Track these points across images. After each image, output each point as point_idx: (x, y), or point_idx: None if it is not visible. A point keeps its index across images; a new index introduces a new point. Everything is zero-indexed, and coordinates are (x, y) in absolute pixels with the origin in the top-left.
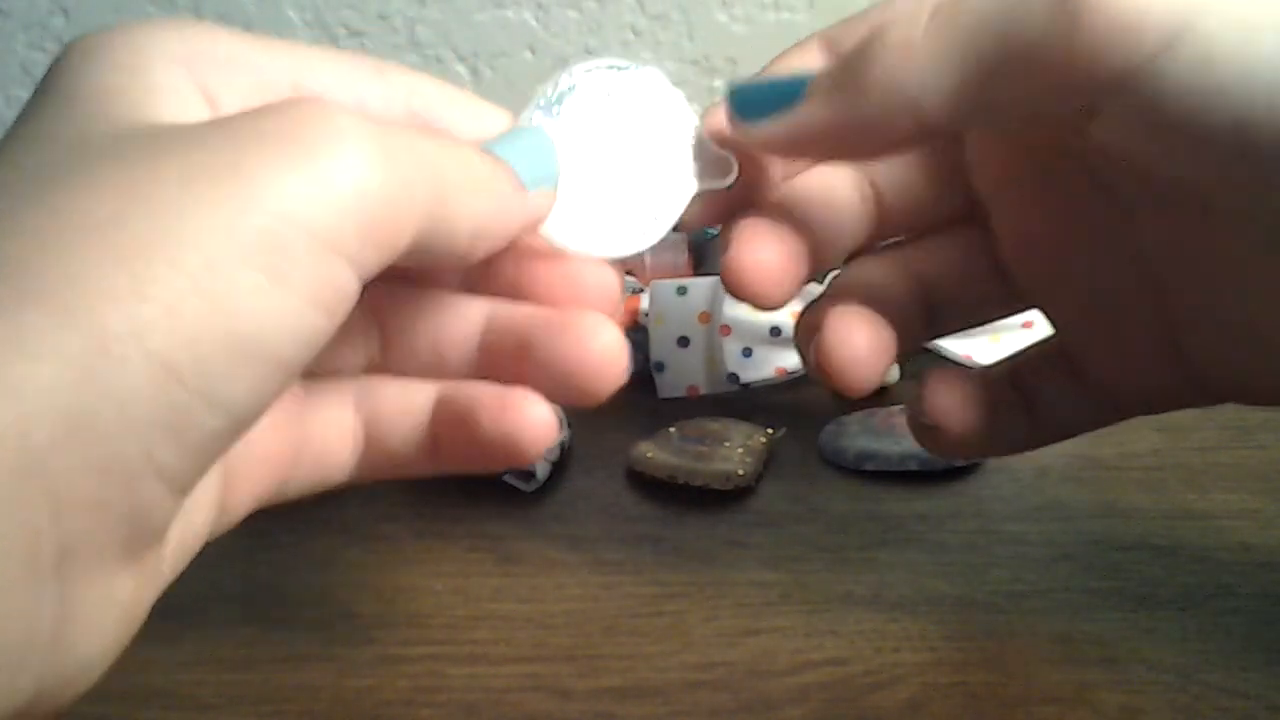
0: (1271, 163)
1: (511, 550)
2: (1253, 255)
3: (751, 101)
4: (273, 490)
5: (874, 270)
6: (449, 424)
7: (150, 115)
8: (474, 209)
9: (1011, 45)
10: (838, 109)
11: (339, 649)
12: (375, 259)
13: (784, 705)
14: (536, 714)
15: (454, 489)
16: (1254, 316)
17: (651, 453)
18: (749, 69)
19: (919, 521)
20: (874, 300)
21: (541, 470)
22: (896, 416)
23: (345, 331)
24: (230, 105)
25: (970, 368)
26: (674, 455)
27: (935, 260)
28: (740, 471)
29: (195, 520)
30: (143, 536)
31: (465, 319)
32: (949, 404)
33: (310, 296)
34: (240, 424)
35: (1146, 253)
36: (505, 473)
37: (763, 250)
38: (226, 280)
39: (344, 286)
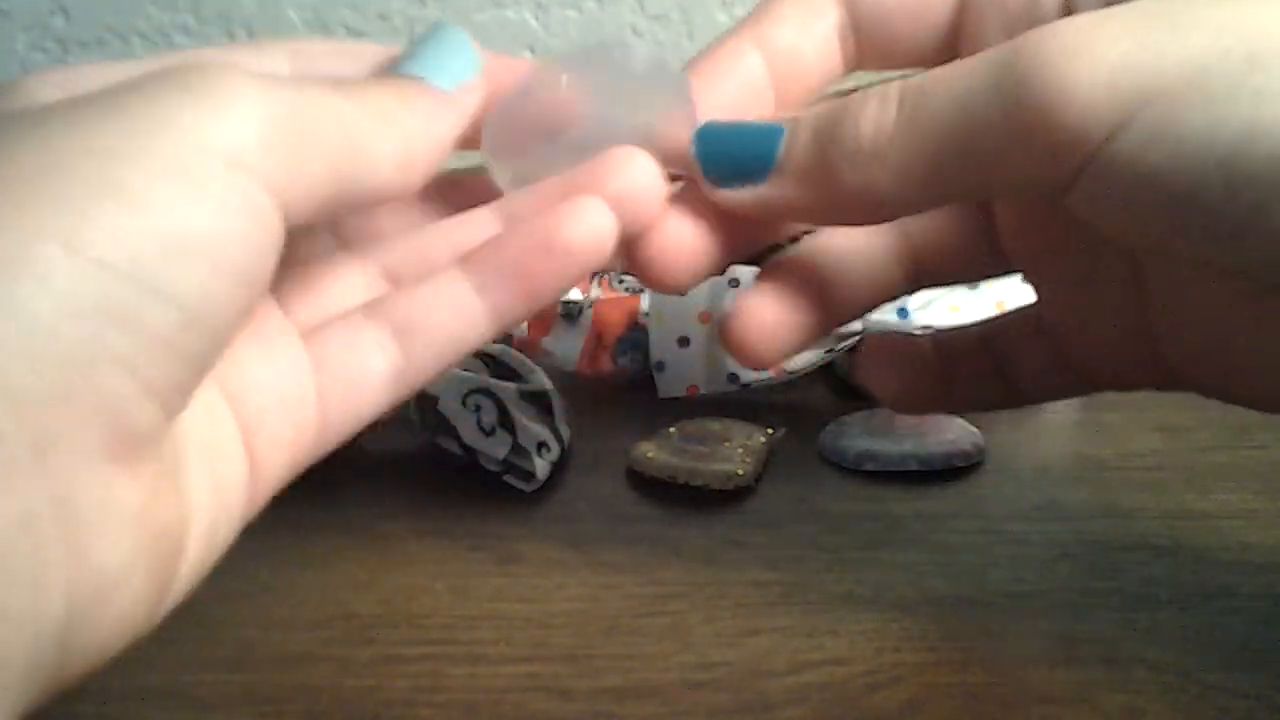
0: (1229, 225)
1: (511, 550)
2: (1235, 300)
3: (720, 163)
4: (309, 443)
5: (864, 231)
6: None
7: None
8: (390, 137)
9: (974, 144)
10: (809, 196)
11: (339, 649)
12: (291, 186)
13: (784, 705)
14: (536, 714)
15: (454, 489)
16: (1223, 336)
17: (651, 453)
18: None
19: (919, 521)
20: (842, 263)
21: (541, 470)
22: (897, 416)
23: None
24: None
25: (916, 335)
26: (674, 455)
27: (930, 221)
28: (740, 471)
29: (226, 473)
30: (126, 436)
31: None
32: (881, 368)
33: (229, 206)
34: (201, 321)
35: (1139, 263)
36: (505, 473)
37: (764, 313)
38: (144, 192)
39: (260, 202)
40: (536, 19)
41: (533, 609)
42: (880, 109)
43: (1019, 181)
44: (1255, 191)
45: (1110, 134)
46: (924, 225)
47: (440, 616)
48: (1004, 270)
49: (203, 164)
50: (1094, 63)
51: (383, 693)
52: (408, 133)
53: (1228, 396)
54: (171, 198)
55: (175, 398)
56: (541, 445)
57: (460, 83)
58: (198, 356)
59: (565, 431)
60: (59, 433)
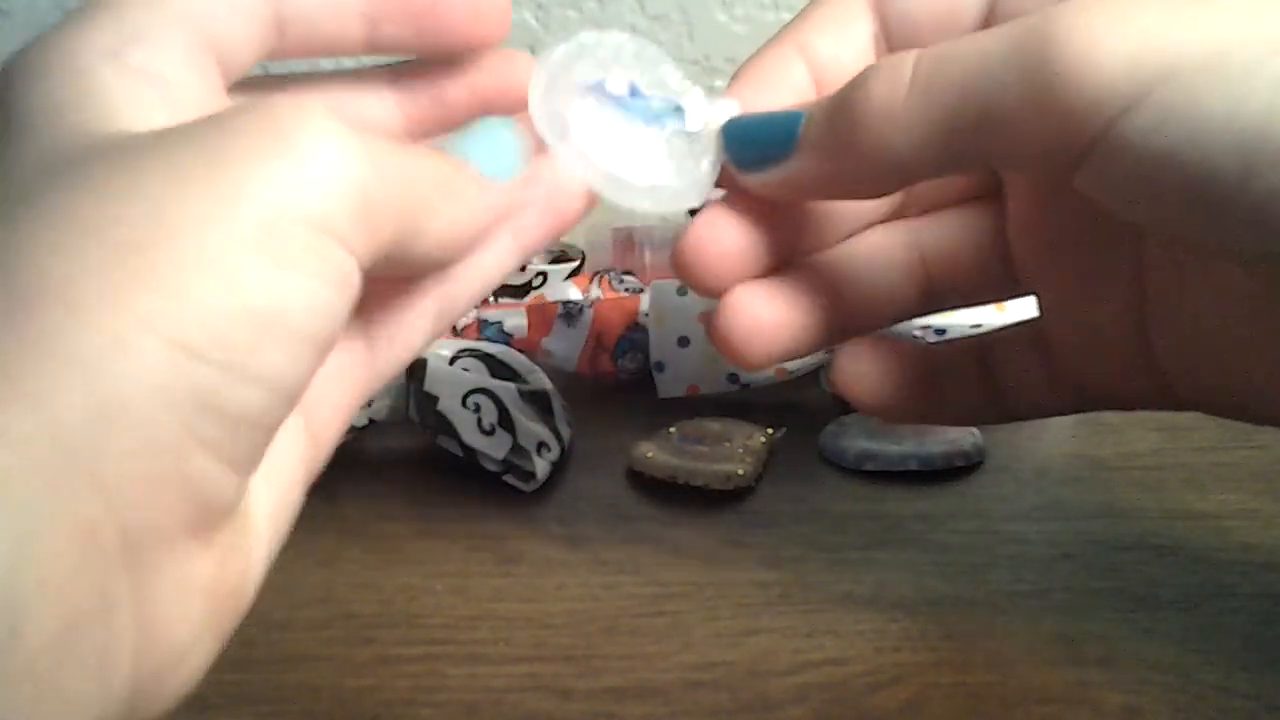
0: (1223, 209)
1: (511, 550)
2: (1228, 283)
3: (745, 149)
4: (361, 398)
5: (869, 243)
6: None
7: (116, 125)
8: (444, 212)
9: (990, 108)
10: (827, 165)
11: (339, 649)
12: (367, 249)
13: (784, 705)
14: (536, 714)
15: (454, 489)
16: (1228, 339)
17: (651, 453)
18: None
19: (919, 521)
20: (852, 275)
21: (541, 470)
22: None
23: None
24: (189, 100)
25: (900, 340)
26: (674, 455)
27: (943, 234)
28: (740, 471)
29: (285, 478)
30: (208, 514)
31: None
32: (855, 373)
33: (317, 275)
34: (285, 394)
35: (1142, 263)
36: (505, 473)
37: (757, 311)
38: (231, 266)
39: (346, 268)
40: (536, 19)
41: (533, 609)
42: (893, 72)
43: (1031, 150)
44: (1273, 176)
45: (1125, 108)
46: (938, 240)
47: (440, 616)
48: (1015, 292)
49: (297, 235)
50: (1116, 36)
51: (383, 693)
52: (458, 211)
53: (1229, 410)
54: (265, 275)
55: (255, 464)
56: (541, 445)
57: (503, 180)
58: (279, 422)
59: (565, 431)
60: (147, 521)
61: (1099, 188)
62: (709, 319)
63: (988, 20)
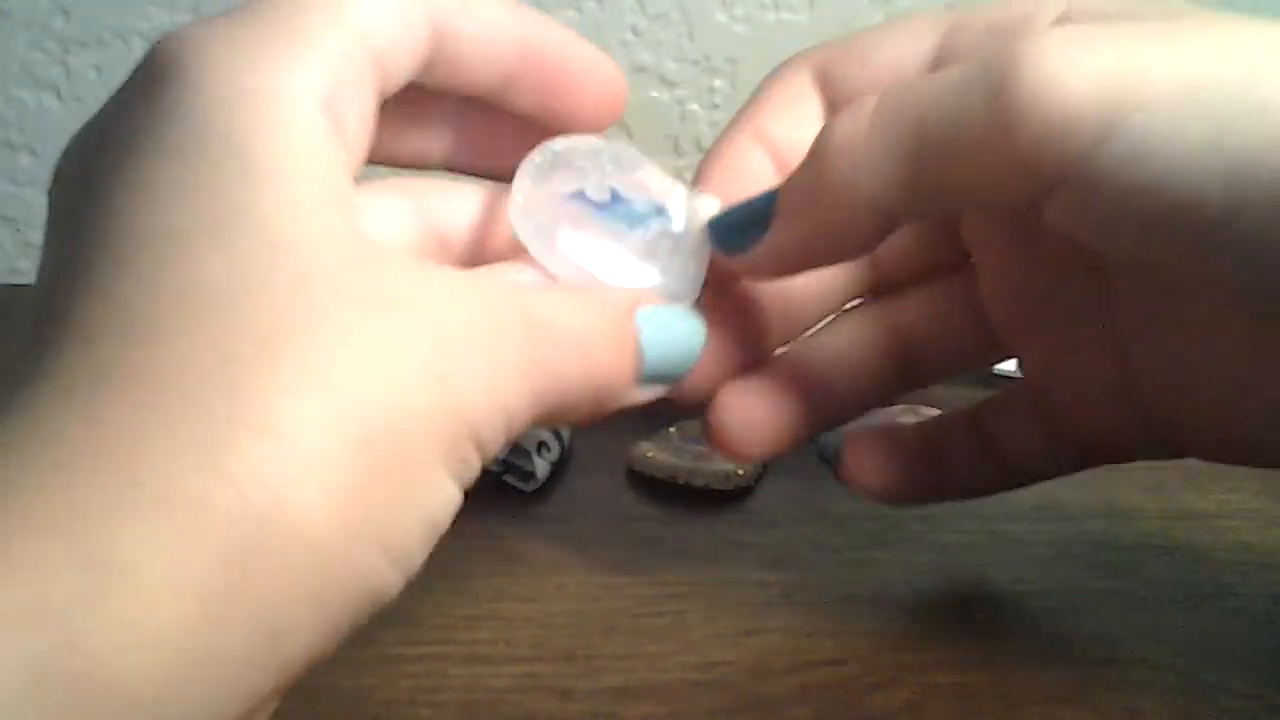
0: (1208, 239)
1: (511, 550)
2: (1211, 319)
3: (730, 235)
4: None
5: (846, 330)
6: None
7: (362, 243)
8: (590, 411)
9: (953, 139)
10: (804, 223)
11: (339, 649)
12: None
13: (784, 705)
14: (536, 714)
15: None
16: (1211, 378)
17: (651, 453)
18: (749, 69)
19: (919, 521)
20: (834, 364)
21: (541, 470)
22: (897, 416)
23: None
24: (357, 158)
25: (898, 428)
26: (674, 455)
27: (917, 312)
28: (740, 471)
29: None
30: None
31: None
32: (861, 468)
33: (469, 482)
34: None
35: (1117, 311)
36: (505, 473)
37: (749, 410)
38: (438, 485)
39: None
40: None
41: (533, 609)
42: (856, 110)
43: (997, 182)
44: (1259, 212)
45: (1098, 138)
46: (912, 318)
47: (440, 616)
48: (996, 357)
49: (472, 456)
50: (1082, 65)
51: (383, 693)
52: (605, 408)
53: (1227, 454)
54: (452, 489)
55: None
56: (541, 445)
57: (656, 383)
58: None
59: (565, 431)
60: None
61: (1072, 220)
62: (704, 420)
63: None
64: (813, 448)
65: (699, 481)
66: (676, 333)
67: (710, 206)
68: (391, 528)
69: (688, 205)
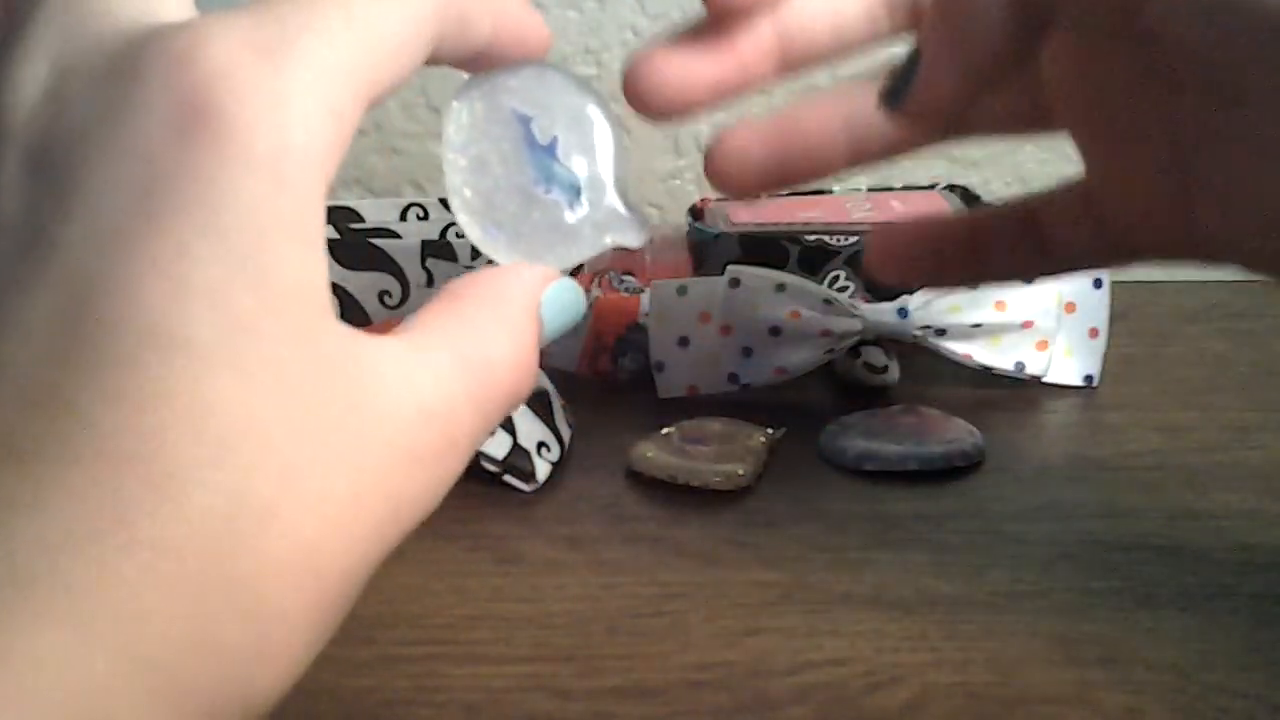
0: None
1: (511, 550)
2: (1273, 136)
3: (894, 95)
4: None
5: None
6: None
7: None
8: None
9: None
10: (945, 43)
11: (339, 649)
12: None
13: (784, 705)
14: (536, 714)
15: (454, 489)
16: (1266, 194)
17: (651, 453)
18: None
19: (919, 521)
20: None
21: (541, 470)
22: (897, 416)
23: None
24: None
25: (939, 214)
26: (674, 455)
27: None
28: (740, 471)
29: None
30: None
31: None
32: (900, 250)
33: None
34: None
35: (1184, 125)
36: (505, 473)
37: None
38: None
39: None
40: None
41: (533, 609)
42: None
43: None
44: None
45: None
46: None
47: (440, 616)
48: (1041, 130)
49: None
50: None
51: (383, 693)
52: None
53: (1272, 265)
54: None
55: None
56: (541, 445)
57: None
58: None
59: (565, 432)
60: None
61: (1176, 16)
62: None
63: None
64: (813, 448)
65: (699, 481)
66: (569, 303)
67: (631, 237)
68: None
69: (605, 217)
